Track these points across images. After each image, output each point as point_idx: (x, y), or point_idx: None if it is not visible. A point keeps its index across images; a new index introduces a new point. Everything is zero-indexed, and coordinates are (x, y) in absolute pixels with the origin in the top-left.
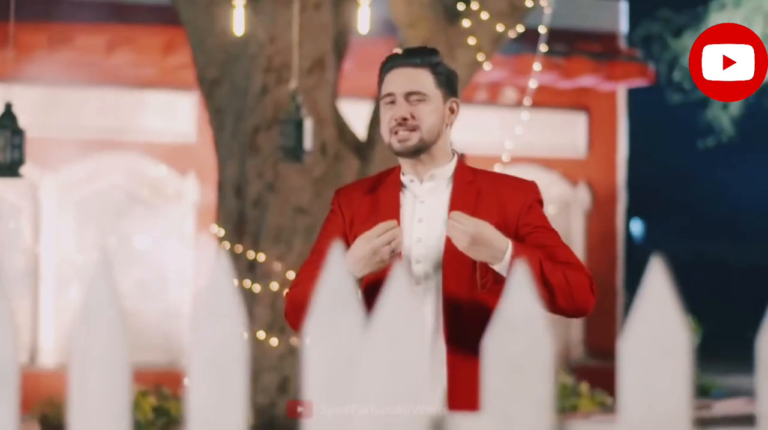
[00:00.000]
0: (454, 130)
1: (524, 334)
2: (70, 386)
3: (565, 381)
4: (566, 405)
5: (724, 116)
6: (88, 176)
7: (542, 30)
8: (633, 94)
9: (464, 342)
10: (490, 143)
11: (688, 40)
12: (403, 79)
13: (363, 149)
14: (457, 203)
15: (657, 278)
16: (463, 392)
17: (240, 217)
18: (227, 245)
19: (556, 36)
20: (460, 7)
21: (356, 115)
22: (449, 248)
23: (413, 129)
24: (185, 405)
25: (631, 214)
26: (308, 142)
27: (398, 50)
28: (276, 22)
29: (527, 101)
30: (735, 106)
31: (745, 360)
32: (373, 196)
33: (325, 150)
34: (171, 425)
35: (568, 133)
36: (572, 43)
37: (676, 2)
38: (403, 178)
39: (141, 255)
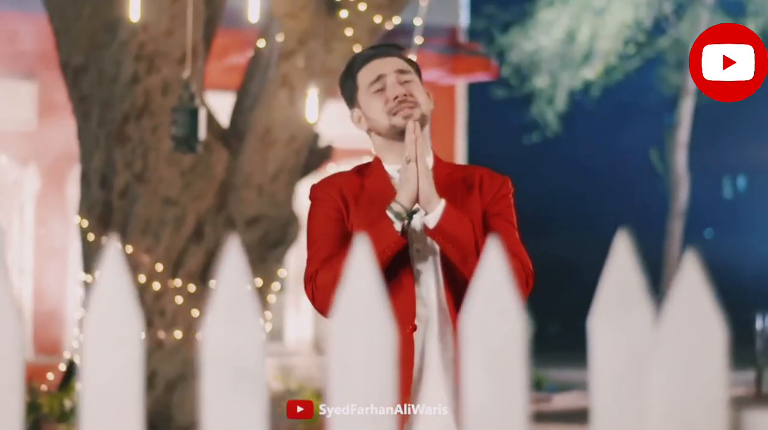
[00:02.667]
0: (322, 124)
1: None
2: None
3: None
4: None
5: (550, 112)
6: None
7: (418, 22)
8: (472, 89)
9: None
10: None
11: (515, 36)
12: (388, 62)
13: (230, 140)
14: (446, 192)
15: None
16: None
17: (106, 208)
18: (92, 236)
19: (399, 30)
20: None
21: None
22: None
23: (413, 106)
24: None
25: None
26: (203, 131)
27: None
28: (149, 9)
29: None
30: (560, 102)
31: (546, 353)
32: (361, 185)
33: None
34: (41, 422)
35: None
36: (413, 37)
37: None
38: (389, 168)
39: None
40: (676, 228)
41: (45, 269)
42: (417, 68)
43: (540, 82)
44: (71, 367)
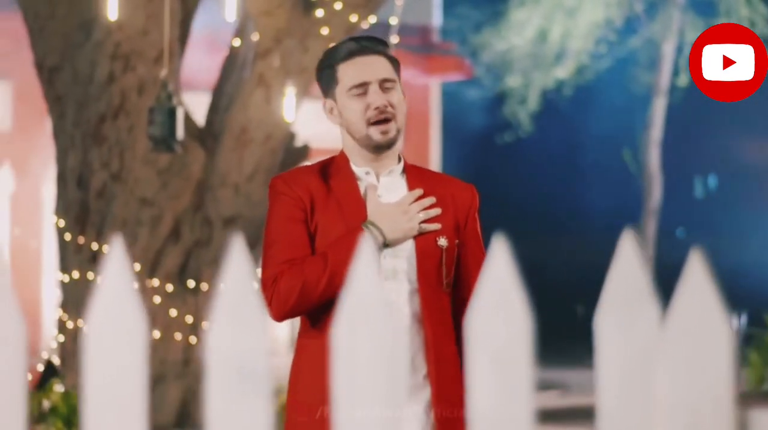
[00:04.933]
0: (298, 123)
1: None
2: None
3: None
4: None
5: (522, 112)
6: None
7: (394, 21)
8: (445, 88)
9: (441, 334)
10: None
11: (487, 35)
12: (373, 67)
13: (206, 140)
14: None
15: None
16: (446, 375)
17: (82, 207)
18: (68, 235)
19: (375, 29)
20: None
21: None
22: (419, 244)
23: (390, 119)
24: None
25: None
26: (180, 131)
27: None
28: (124, 8)
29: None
30: (533, 102)
31: None
32: (327, 185)
33: None
34: None
35: None
36: (388, 37)
37: None
38: (357, 170)
39: None
40: (650, 227)
41: (21, 269)
42: (397, 65)
43: (512, 81)
44: (49, 367)
